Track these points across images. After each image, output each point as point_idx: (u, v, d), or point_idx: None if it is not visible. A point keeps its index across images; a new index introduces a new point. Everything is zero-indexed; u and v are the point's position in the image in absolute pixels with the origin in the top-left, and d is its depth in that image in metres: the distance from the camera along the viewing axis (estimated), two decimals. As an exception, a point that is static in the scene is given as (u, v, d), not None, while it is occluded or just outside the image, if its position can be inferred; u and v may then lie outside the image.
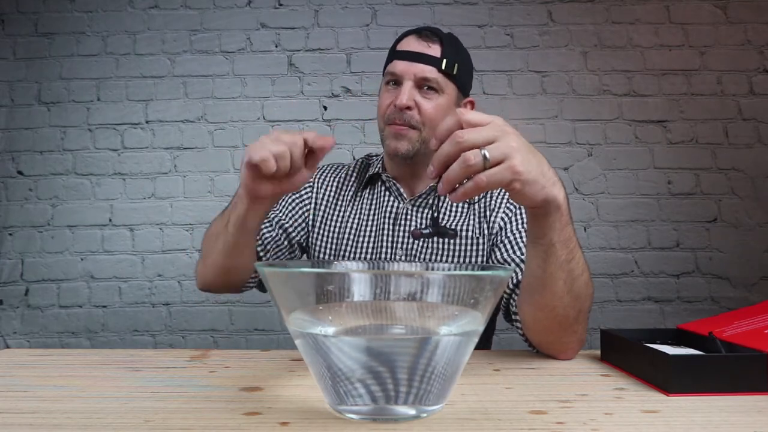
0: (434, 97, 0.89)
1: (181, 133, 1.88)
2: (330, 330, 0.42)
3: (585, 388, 0.54)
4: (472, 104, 0.98)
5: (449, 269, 0.62)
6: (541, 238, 0.60)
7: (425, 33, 0.92)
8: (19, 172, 1.87)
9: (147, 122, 1.88)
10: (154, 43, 1.90)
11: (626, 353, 0.62)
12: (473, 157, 0.51)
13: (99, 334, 1.82)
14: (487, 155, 0.51)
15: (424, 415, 0.44)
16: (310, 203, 0.99)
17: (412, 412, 0.43)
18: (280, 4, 1.91)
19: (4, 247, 1.85)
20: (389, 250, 0.91)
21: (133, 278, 1.84)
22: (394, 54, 0.92)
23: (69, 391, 0.54)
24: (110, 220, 1.85)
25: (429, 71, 0.89)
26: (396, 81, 0.90)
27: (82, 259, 1.84)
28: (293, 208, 0.97)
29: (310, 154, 0.67)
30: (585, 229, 1.83)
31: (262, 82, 1.89)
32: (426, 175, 0.55)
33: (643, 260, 1.82)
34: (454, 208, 0.95)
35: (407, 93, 0.88)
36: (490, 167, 0.51)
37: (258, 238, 0.88)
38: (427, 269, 0.66)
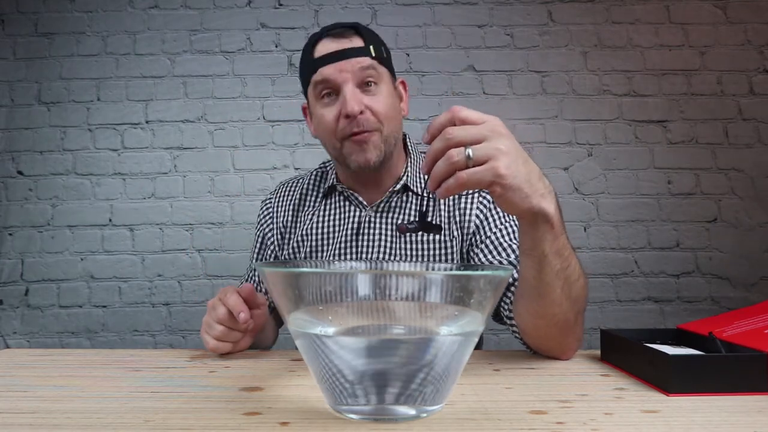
0: (377, 90, 0.83)
1: (181, 133, 1.88)
2: (330, 330, 0.42)
3: (585, 388, 0.54)
4: (404, 84, 0.93)
5: (449, 269, 0.62)
6: (533, 250, 0.58)
7: (337, 30, 0.84)
8: (19, 172, 1.87)
9: (147, 122, 1.88)
10: (154, 43, 1.90)
11: (626, 353, 0.62)
12: (456, 154, 0.51)
13: (99, 334, 1.82)
14: (471, 154, 0.50)
15: (424, 415, 0.44)
16: (273, 231, 0.97)
17: (412, 412, 0.43)
18: (280, 4, 1.91)
19: (4, 247, 1.85)
20: (355, 259, 0.89)
21: (133, 278, 1.84)
22: (316, 62, 0.82)
23: (69, 391, 0.54)
24: (110, 220, 1.85)
25: (363, 62, 0.81)
26: (331, 90, 0.82)
27: (82, 259, 1.84)
28: (262, 247, 0.99)
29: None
30: (585, 229, 1.83)
31: (262, 82, 1.89)
32: (422, 166, 0.55)
33: (643, 260, 1.82)
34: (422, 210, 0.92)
35: (354, 97, 0.80)
36: (473, 166, 0.51)
37: (260, 289, 0.94)
38: (427, 269, 0.66)
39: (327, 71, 0.81)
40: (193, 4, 1.90)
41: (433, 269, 0.65)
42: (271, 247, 0.97)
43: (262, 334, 0.84)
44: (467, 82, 1.88)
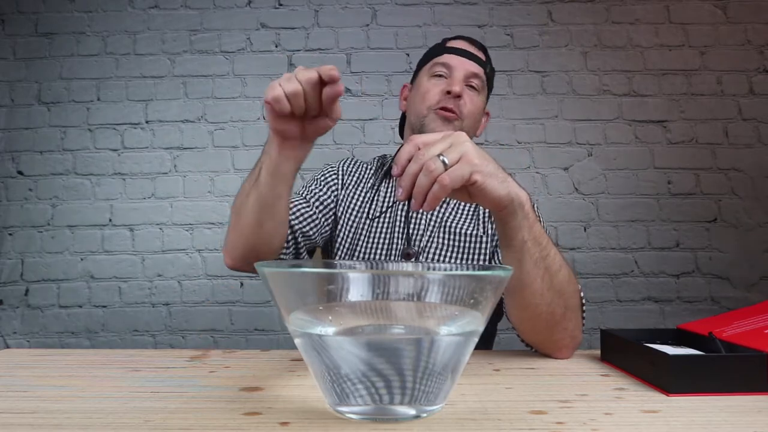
0: (475, 95, 0.96)
1: (181, 133, 1.88)
2: (330, 330, 0.42)
3: (585, 388, 0.54)
4: (488, 115, 1.05)
5: (449, 269, 0.62)
6: (513, 240, 0.62)
7: (472, 39, 1.01)
8: (19, 172, 1.87)
9: (147, 122, 1.88)
10: (154, 43, 1.90)
11: (626, 353, 0.62)
12: (433, 163, 0.54)
13: (99, 334, 1.82)
14: (446, 159, 0.54)
15: (424, 415, 0.44)
16: (336, 187, 1.01)
17: (412, 412, 0.43)
18: (280, 4, 1.91)
19: (4, 247, 1.85)
20: (400, 242, 0.93)
21: (133, 278, 1.84)
22: (445, 49, 0.97)
23: (69, 391, 0.53)
24: (110, 220, 1.85)
25: (478, 70, 0.96)
26: (444, 74, 0.96)
27: (82, 259, 1.84)
28: (324, 187, 0.99)
29: (325, 100, 0.63)
30: (585, 229, 1.83)
31: (262, 82, 1.89)
32: (396, 195, 0.56)
33: (643, 260, 1.82)
34: (460, 209, 0.98)
35: (460, 82, 0.93)
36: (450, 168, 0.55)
37: (291, 213, 0.86)
38: (427, 269, 0.66)
39: (451, 59, 0.96)
40: (193, 4, 1.90)
41: (432, 269, 0.65)
42: (332, 182, 1.01)
43: (273, 205, 0.72)
44: (467, 82, 1.87)
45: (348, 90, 1.89)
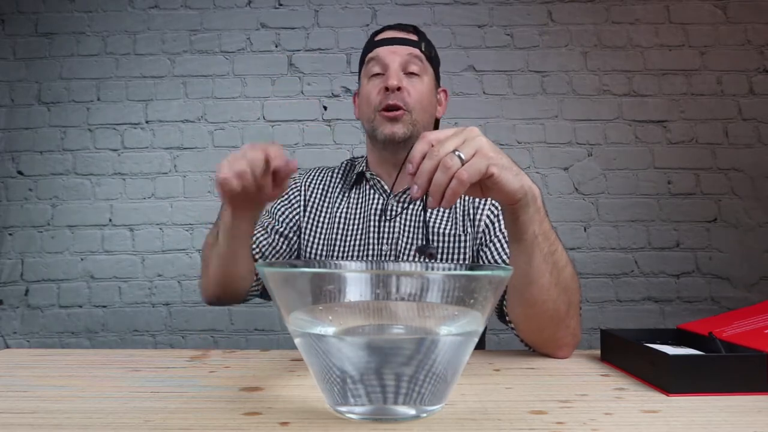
0: (418, 81, 0.92)
1: (181, 133, 1.88)
2: (330, 330, 0.42)
3: (585, 388, 0.54)
4: (446, 93, 1.02)
5: (449, 269, 0.62)
6: (524, 233, 0.61)
7: (400, 25, 0.97)
8: (19, 172, 1.87)
9: (147, 122, 1.88)
10: (154, 43, 1.90)
11: (626, 353, 0.61)
12: (450, 159, 0.53)
13: (99, 334, 1.82)
14: (461, 155, 0.53)
15: (424, 415, 0.44)
16: (299, 206, 1.00)
17: (412, 412, 0.43)
18: (280, 4, 1.91)
19: (4, 247, 1.85)
20: (375, 247, 0.92)
21: (133, 278, 1.84)
22: (374, 44, 0.94)
23: (69, 391, 0.53)
24: (110, 220, 1.85)
25: (412, 52, 0.92)
26: (380, 70, 0.92)
27: (82, 259, 1.84)
28: (285, 213, 0.98)
29: (276, 174, 0.66)
30: (585, 229, 1.83)
31: (262, 82, 1.89)
32: (412, 193, 0.55)
33: (643, 260, 1.82)
34: (438, 210, 0.95)
35: (396, 74, 0.90)
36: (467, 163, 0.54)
37: (255, 246, 0.90)
38: (427, 269, 0.66)
39: (381, 51, 0.92)
40: (193, 4, 1.90)
41: (432, 269, 0.65)
42: (296, 203, 0.99)
43: (234, 261, 0.79)
44: (467, 82, 1.87)
45: (348, 90, 1.89)
